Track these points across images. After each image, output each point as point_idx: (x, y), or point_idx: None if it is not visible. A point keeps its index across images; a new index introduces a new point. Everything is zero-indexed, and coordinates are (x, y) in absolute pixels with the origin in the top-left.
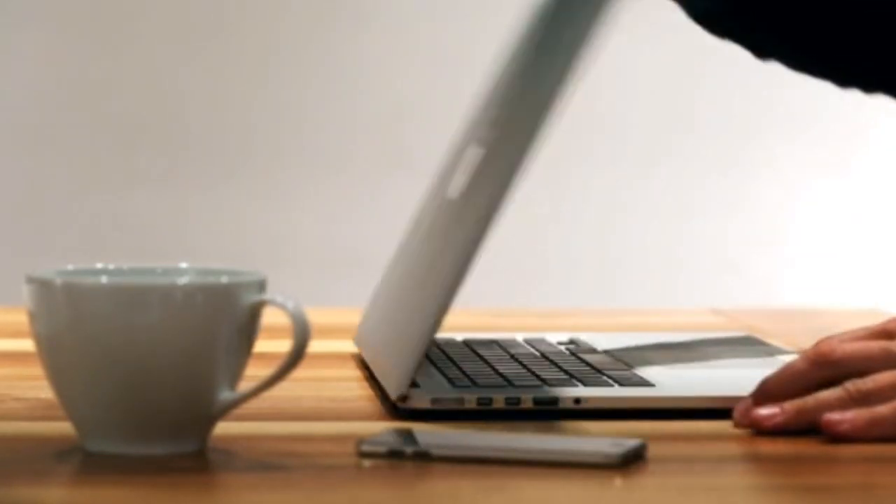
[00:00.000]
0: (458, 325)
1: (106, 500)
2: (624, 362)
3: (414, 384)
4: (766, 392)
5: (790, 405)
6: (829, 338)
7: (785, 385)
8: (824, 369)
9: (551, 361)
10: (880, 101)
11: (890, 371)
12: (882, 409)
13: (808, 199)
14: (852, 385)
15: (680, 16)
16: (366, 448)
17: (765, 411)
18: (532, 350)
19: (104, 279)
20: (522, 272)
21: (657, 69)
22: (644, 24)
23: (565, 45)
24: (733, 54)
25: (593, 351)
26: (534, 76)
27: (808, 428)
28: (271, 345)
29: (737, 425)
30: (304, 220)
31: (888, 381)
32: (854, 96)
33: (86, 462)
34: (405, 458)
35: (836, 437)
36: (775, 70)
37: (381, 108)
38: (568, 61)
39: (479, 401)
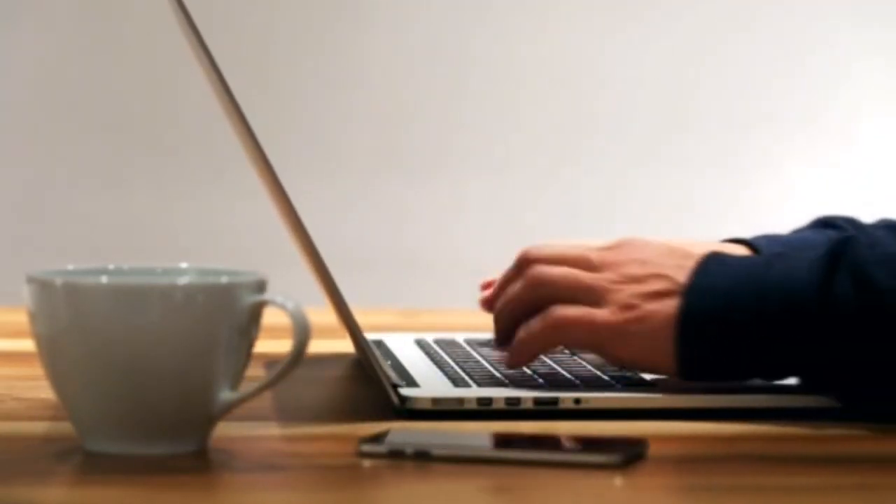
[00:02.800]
0: (459, 325)
1: (106, 500)
2: None
3: (414, 384)
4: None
5: (516, 343)
6: (531, 249)
7: (507, 309)
8: (533, 291)
9: (551, 361)
10: (877, 100)
11: (569, 269)
12: (533, 324)
13: (806, 198)
14: (530, 273)
15: (677, 15)
16: (366, 448)
17: (502, 356)
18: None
19: (104, 279)
20: None
21: (654, 69)
22: (641, 23)
23: None
24: (731, 54)
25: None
26: None
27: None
28: (271, 345)
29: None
30: (304, 220)
31: (561, 276)
32: (852, 95)
33: (86, 462)
34: (405, 458)
35: (511, 367)
36: (772, 68)
37: (380, 108)
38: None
39: (479, 401)
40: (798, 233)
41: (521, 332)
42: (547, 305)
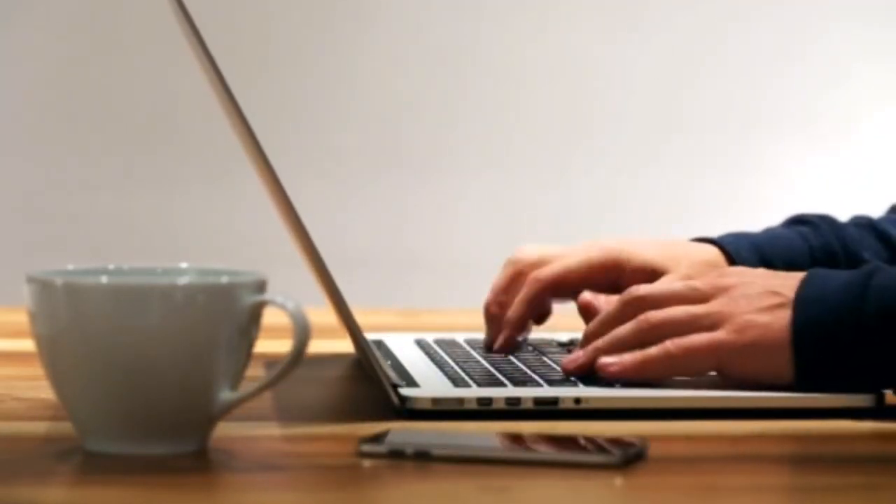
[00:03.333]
0: (459, 325)
1: (106, 500)
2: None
3: (414, 384)
4: (599, 352)
5: (630, 357)
6: (638, 289)
7: (613, 349)
8: (646, 335)
9: (551, 361)
10: (875, 99)
11: (682, 306)
12: (652, 351)
13: (804, 198)
14: (644, 318)
15: (676, 16)
16: (366, 448)
17: (607, 360)
18: (532, 350)
19: (104, 279)
20: None
21: (653, 68)
22: (640, 22)
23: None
24: (729, 54)
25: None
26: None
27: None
28: (271, 345)
29: (565, 372)
30: (304, 219)
31: (678, 314)
32: (850, 95)
33: (86, 462)
34: (405, 458)
35: (609, 377)
36: (770, 68)
37: (380, 108)
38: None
39: (479, 401)
40: (768, 230)
41: (639, 356)
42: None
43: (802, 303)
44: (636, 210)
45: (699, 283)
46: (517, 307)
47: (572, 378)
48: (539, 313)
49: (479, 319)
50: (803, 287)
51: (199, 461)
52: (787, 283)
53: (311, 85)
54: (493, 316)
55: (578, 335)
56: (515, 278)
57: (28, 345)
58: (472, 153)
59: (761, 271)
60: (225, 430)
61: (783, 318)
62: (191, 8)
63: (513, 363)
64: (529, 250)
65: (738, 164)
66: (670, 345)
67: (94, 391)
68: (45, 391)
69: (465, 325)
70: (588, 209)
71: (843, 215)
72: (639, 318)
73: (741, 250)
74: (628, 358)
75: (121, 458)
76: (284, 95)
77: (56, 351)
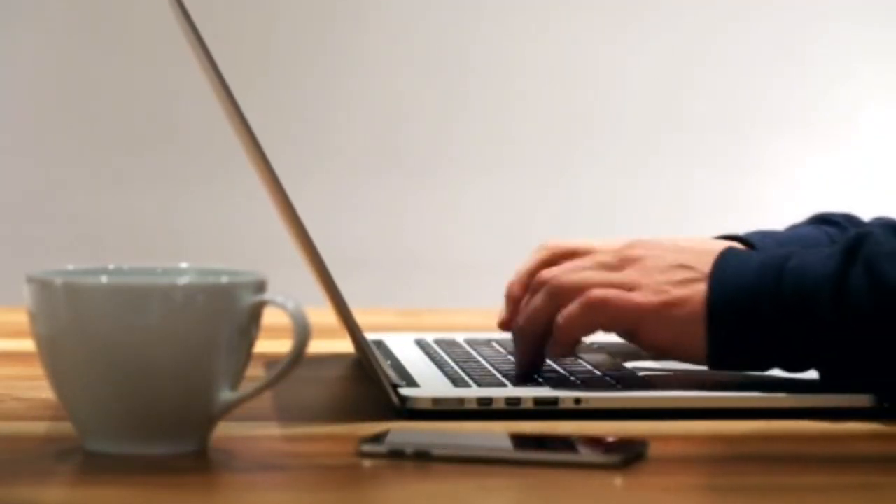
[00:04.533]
0: (459, 325)
1: (106, 500)
2: (624, 362)
3: (414, 384)
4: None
5: (554, 331)
6: (545, 271)
7: (532, 322)
8: (558, 298)
9: (551, 361)
10: (876, 97)
11: (593, 271)
12: (571, 307)
13: (805, 197)
14: (553, 282)
15: (675, 15)
16: (366, 448)
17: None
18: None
19: (104, 279)
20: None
21: (652, 68)
22: (639, 22)
23: None
24: (728, 53)
25: (593, 351)
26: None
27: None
28: (271, 345)
29: (518, 377)
30: (304, 220)
31: (591, 275)
32: (850, 93)
33: (86, 462)
34: (405, 458)
35: (558, 357)
36: (770, 68)
37: (380, 108)
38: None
39: (479, 401)
40: (794, 229)
41: (559, 319)
42: None
43: (719, 279)
44: (636, 210)
45: (606, 257)
46: (521, 279)
47: (573, 378)
48: None
49: (480, 319)
50: (719, 264)
51: (199, 461)
52: (700, 258)
53: (311, 85)
54: (516, 297)
55: None
56: (547, 263)
57: (28, 345)
58: (472, 154)
59: (669, 244)
60: (225, 430)
61: (698, 292)
62: (191, 8)
63: (513, 363)
64: (561, 239)
65: (738, 163)
66: (589, 296)
67: (94, 391)
68: (45, 391)
69: (465, 325)
70: (587, 209)
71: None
72: (547, 286)
73: (769, 248)
74: (554, 335)
75: (121, 458)
76: (285, 95)
77: (56, 351)
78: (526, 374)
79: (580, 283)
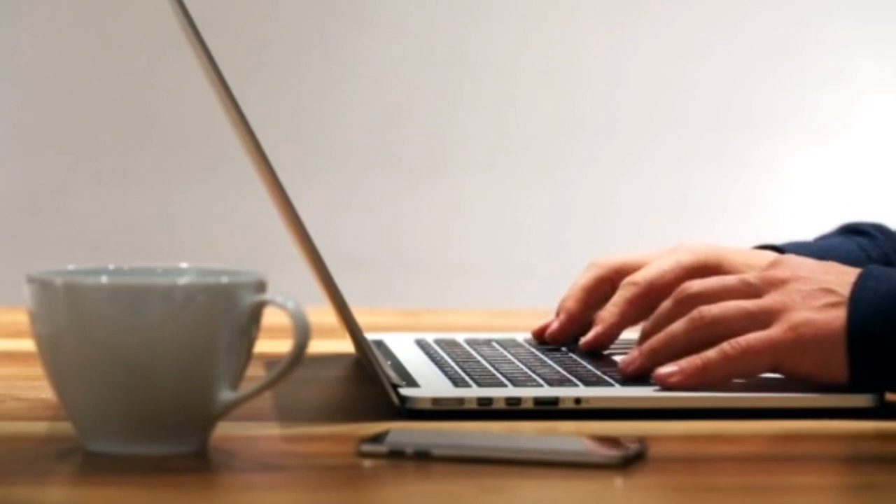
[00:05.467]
0: (458, 325)
1: (106, 500)
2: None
3: (414, 384)
4: (655, 352)
5: (688, 365)
6: (691, 285)
7: (668, 347)
8: (700, 332)
9: (551, 361)
10: (872, 95)
11: (735, 301)
12: (711, 354)
13: (801, 195)
14: (698, 314)
15: (671, 13)
16: (366, 448)
17: (665, 370)
18: (532, 350)
19: (104, 279)
20: (519, 272)
21: (648, 66)
22: (635, 20)
23: None
24: (723, 51)
25: (593, 350)
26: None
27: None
28: (271, 345)
29: (623, 374)
30: (304, 220)
31: (731, 310)
32: (846, 91)
33: (86, 462)
34: (405, 458)
35: (670, 388)
36: (762, 66)
37: (379, 108)
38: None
39: (479, 401)
40: (825, 240)
41: (698, 361)
42: (716, 341)
43: (857, 303)
44: (631, 210)
45: (751, 278)
46: (616, 307)
47: (572, 377)
48: (639, 318)
49: (480, 319)
50: (858, 286)
51: (199, 461)
52: (842, 279)
53: (311, 85)
54: (571, 311)
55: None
56: (602, 280)
57: (28, 345)
58: (472, 153)
59: (814, 264)
60: (225, 430)
61: (838, 317)
62: (191, 8)
63: (513, 363)
64: (612, 254)
65: (734, 161)
66: (727, 347)
67: (94, 391)
68: (45, 391)
69: (465, 325)
70: (585, 209)
71: (837, 213)
72: (692, 315)
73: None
74: (687, 367)
75: (121, 458)
76: (285, 95)
77: (56, 351)
78: (634, 376)
79: (722, 317)
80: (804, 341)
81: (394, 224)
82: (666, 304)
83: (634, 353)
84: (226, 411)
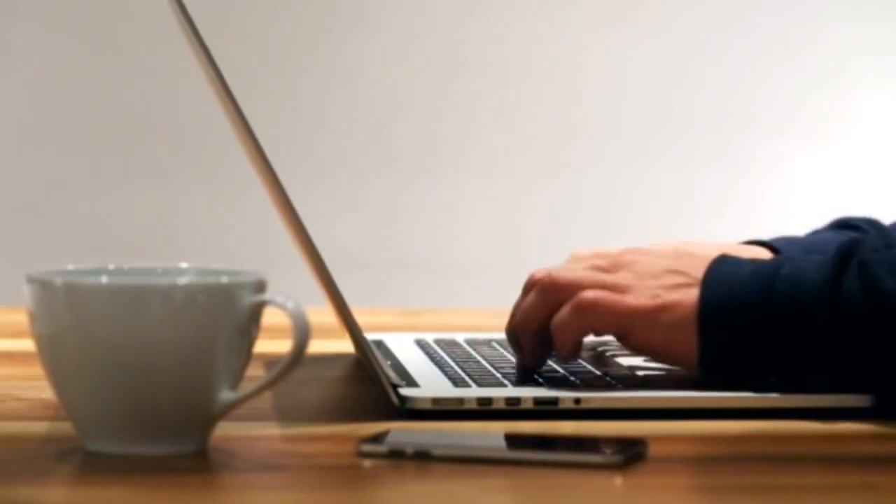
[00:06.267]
0: (459, 325)
1: (106, 500)
2: (623, 362)
3: (414, 384)
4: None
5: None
6: (537, 271)
7: (525, 320)
8: (553, 295)
9: (551, 362)
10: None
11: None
12: (563, 310)
13: (802, 194)
14: (548, 278)
15: (671, 13)
16: (366, 448)
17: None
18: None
19: (104, 279)
20: (519, 272)
21: (647, 67)
22: (634, 20)
23: None
24: (723, 50)
25: (593, 351)
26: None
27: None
28: (271, 345)
29: (518, 379)
30: (304, 219)
31: (584, 275)
32: (846, 90)
33: (86, 462)
34: (405, 458)
35: (562, 361)
36: (765, 65)
37: (379, 108)
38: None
39: (479, 401)
40: (816, 234)
41: (553, 323)
42: None
43: (711, 285)
44: (632, 209)
45: (600, 261)
46: None
47: (573, 378)
48: None
49: (479, 319)
50: (711, 270)
51: (199, 461)
52: (695, 263)
53: (310, 85)
54: None
55: None
56: None
57: (28, 345)
58: (471, 154)
59: (667, 251)
60: (225, 430)
61: (690, 296)
62: (191, 8)
63: (513, 363)
64: (590, 250)
65: (734, 161)
66: (578, 301)
67: (94, 391)
68: (45, 391)
69: (465, 325)
70: (584, 209)
71: (836, 213)
72: (540, 282)
73: (793, 254)
74: (555, 339)
75: (121, 458)
76: (285, 96)
77: (56, 351)
78: (525, 373)
79: (572, 281)
80: (657, 314)
81: (394, 224)
82: (519, 297)
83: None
84: (226, 411)
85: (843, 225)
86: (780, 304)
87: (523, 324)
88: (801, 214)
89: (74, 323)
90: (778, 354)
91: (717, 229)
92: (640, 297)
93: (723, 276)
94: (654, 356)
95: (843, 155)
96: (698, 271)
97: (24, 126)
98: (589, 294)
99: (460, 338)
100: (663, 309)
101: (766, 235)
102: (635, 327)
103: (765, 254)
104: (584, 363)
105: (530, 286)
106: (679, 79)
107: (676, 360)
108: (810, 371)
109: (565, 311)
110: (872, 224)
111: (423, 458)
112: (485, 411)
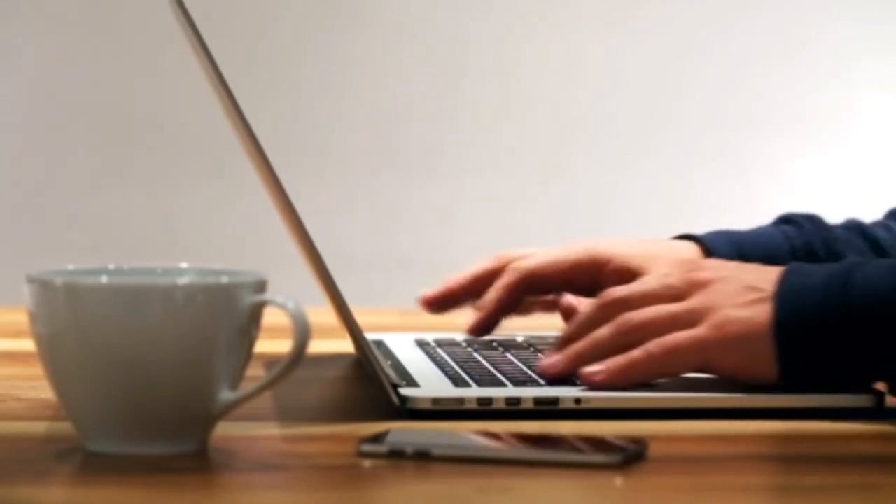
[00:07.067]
0: (459, 325)
1: (106, 500)
2: None
3: (414, 384)
4: (580, 356)
5: (613, 364)
6: (614, 291)
7: (593, 352)
8: (626, 337)
9: None
10: (871, 94)
11: (660, 305)
12: (635, 354)
13: (801, 194)
14: (623, 320)
15: (667, 13)
16: (366, 448)
17: (591, 369)
18: (532, 350)
19: (104, 279)
20: None
21: (647, 67)
22: (634, 20)
23: None
24: (722, 50)
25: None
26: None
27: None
28: (271, 345)
29: (543, 376)
30: (304, 220)
31: (657, 313)
32: (845, 90)
33: (86, 462)
34: (405, 458)
35: (595, 387)
36: (763, 66)
37: (379, 109)
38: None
39: (479, 401)
40: (755, 228)
41: (623, 361)
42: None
43: (783, 297)
44: (632, 209)
45: (674, 281)
46: (494, 292)
47: (572, 378)
48: (515, 304)
49: None
50: (783, 281)
51: (199, 461)
52: (766, 276)
53: (311, 85)
54: (448, 285)
55: None
56: (496, 270)
57: (28, 345)
58: (472, 153)
59: (736, 265)
60: (225, 430)
61: (764, 312)
62: (191, 8)
63: (513, 363)
64: (515, 250)
65: (734, 161)
66: (652, 346)
67: (94, 391)
68: (45, 391)
69: (465, 325)
70: (584, 209)
71: (836, 212)
72: (617, 321)
73: (720, 247)
74: (612, 365)
75: (121, 458)
76: (285, 95)
77: (56, 351)
78: (555, 379)
79: (646, 322)
80: (730, 339)
81: (394, 224)
82: (589, 310)
83: (557, 356)
84: (226, 411)
85: (783, 220)
86: (854, 310)
87: (590, 353)
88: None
89: (74, 323)
90: (854, 360)
91: (717, 229)
92: (712, 325)
93: (794, 287)
94: (735, 378)
95: (843, 155)
96: (770, 284)
97: (25, 126)
98: (666, 340)
99: (460, 338)
100: (736, 331)
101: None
102: (713, 360)
103: (692, 249)
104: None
105: (607, 308)
106: (679, 79)
107: (756, 376)
108: (886, 374)
109: (640, 357)
110: (812, 219)
111: (423, 458)
112: (485, 411)
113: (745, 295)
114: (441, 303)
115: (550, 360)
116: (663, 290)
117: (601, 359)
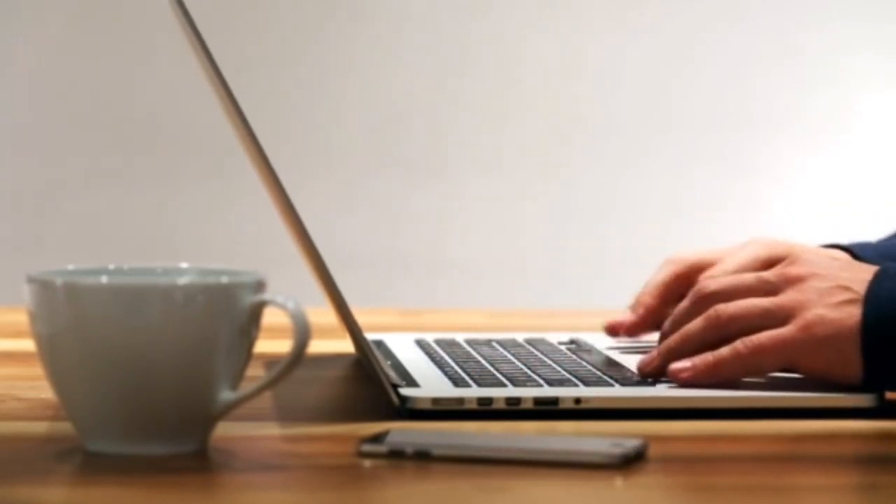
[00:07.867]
0: (458, 325)
1: (106, 500)
2: (624, 362)
3: (414, 384)
4: (672, 351)
5: (700, 361)
6: (708, 284)
7: (685, 346)
8: (717, 331)
9: (551, 361)
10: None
11: (751, 299)
12: (723, 352)
13: (801, 195)
14: (714, 313)
15: (666, 14)
16: (366, 448)
17: (678, 365)
18: (532, 350)
19: (104, 279)
20: (519, 272)
21: (647, 67)
22: (633, 21)
23: None
24: (721, 51)
25: (593, 351)
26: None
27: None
28: (271, 345)
29: (641, 374)
30: (304, 219)
31: (747, 308)
32: (844, 90)
33: (86, 462)
34: (405, 458)
35: (682, 383)
36: (763, 67)
37: (379, 108)
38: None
39: (479, 401)
40: (890, 240)
41: (710, 359)
42: (733, 339)
43: (873, 301)
44: (632, 209)
45: (769, 275)
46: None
47: (572, 377)
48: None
49: (480, 319)
50: (873, 284)
51: (199, 461)
52: (859, 276)
53: (311, 85)
54: (648, 305)
55: (579, 335)
56: (678, 277)
57: (28, 345)
58: (472, 153)
59: (831, 262)
60: (225, 430)
61: (853, 314)
62: (191, 7)
63: (513, 363)
64: (687, 251)
65: (734, 161)
66: (740, 345)
67: (94, 391)
68: (45, 391)
69: (465, 325)
70: (585, 209)
71: (836, 212)
72: (708, 314)
73: (869, 256)
74: (699, 363)
75: (121, 458)
76: (285, 95)
77: (56, 351)
78: (652, 376)
79: (737, 315)
80: (818, 339)
81: (394, 224)
82: (683, 304)
83: (653, 353)
84: (226, 411)
85: None
86: None
87: (681, 345)
88: (800, 214)
89: (74, 323)
90: None
91: (717, 229)
92: (800, 325)
93: (885, 290)
94: (820, 378)
95: (843, 155)
96: (862, 285)
97: (25, 126)
98: (754, 342)
99: (460, 338)
100: (824, 333)
101: (767, 235)
102: (799, 361)
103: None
104: (585, 363)
105: (697, 301)
106: (679, 79)
107: (840, 378)
108: None
109: (727, 355)
110: None
111: (423, 458)
112: (485, 411)
113: (836, 295)
114: (645, 327)
115: (647, 358)
116: (757, 283)
117: (693, 353)
